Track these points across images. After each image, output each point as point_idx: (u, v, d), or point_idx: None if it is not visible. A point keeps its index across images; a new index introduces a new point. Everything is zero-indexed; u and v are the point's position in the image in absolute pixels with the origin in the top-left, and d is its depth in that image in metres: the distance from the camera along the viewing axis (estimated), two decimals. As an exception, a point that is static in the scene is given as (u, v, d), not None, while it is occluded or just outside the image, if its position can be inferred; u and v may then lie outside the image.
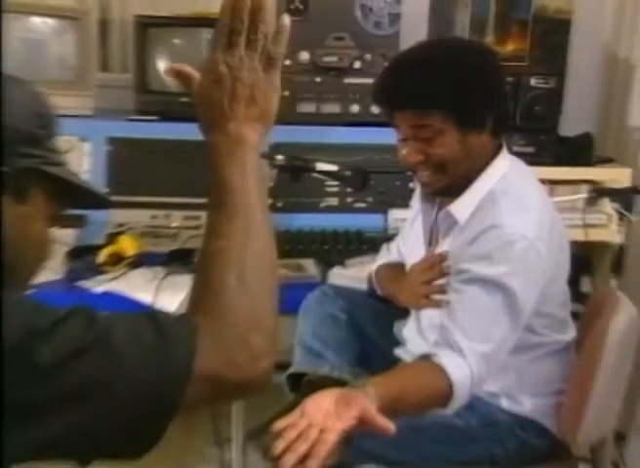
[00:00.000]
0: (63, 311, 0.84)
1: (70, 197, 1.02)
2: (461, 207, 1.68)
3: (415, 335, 1.87)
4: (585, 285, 2.74)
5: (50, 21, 2.65)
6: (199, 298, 0.91)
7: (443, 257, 1.70)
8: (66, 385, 0.80)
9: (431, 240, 1.83)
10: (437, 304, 1.69)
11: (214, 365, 0.86)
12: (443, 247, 1.75)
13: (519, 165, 1.75)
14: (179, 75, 1.00)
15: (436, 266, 1.71)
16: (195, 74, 0.99)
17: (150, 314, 0.88)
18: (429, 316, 1.77)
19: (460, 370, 1.50)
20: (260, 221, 0.95)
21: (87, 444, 0.84)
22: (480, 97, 1.64)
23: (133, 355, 0.82)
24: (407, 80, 1.63)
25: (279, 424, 1.31)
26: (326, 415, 1.33)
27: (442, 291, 1.67)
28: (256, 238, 0.95)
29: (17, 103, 0.94)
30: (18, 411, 0.79)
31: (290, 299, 1.96)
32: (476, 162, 1.67)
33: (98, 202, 1.10)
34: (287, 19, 0.99)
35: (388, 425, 1.33)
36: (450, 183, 1.68)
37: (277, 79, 1.01)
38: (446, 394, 1.50)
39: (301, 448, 1.27)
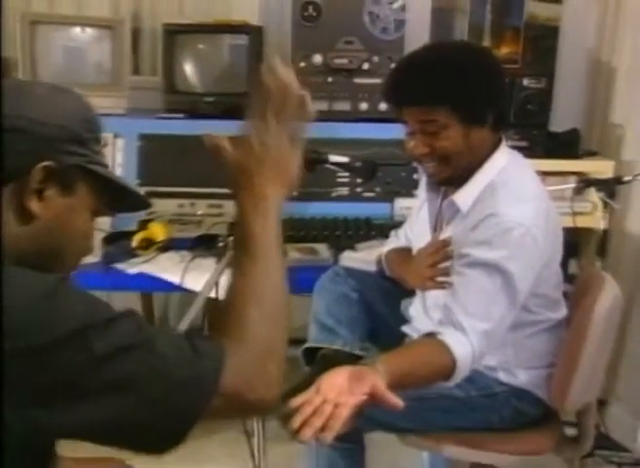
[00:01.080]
0: (118, 311, 0.86)
1: (113, 197, 1.02)
2: (464, 196, 1.66)
3: (420, 314, 1.85)
4: (573, 267, 2.73)
5: (88, 31, 2.68)
6: (225, 325, 0.93)
7: (447, 243, 1.67)
8: (112, 375, 0.81)
9: (436, 226, 1.80)
10: (441, 286, 1.66)
11: (236, 384, 0.88)
12: (447, 233, 1.72)
13: (517, 158, 1.72)
14: (214, 148, 1.05)
15: (440, 251, 1.68)
16: (227, 145, 1.04)
17: (188, 333, 0.92)
18: (434, 296, 1.75)
19: (462, 346, 1.49)
20: (276, 264, 0.98)
21: (117, 431, 0.84)
22: (482, 94, 1.61)
23: (171, 361, 0.85)
24: (414, 79, 1.61)
25: (296, 401, 1.31)
26: (339, 392, 1.33)
27: (446, 273, 1.64)
28: (273, 278, 0.98)
29: (67, 108, 0.96)
30: (66, 390, 0.80)
31: (304, 280, 1.95)
32: (478, 155, 1.64)
33: (139, 202, 1.10)
34: (309, 101, 1.03)
35: (396, 401, 1.33)
36: (453, 174, 1.65)
37: (299, 146, 1.05)
38: (449, 369, 1.48)
39: (317, 423, 1.27)
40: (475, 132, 1.61)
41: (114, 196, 1.02)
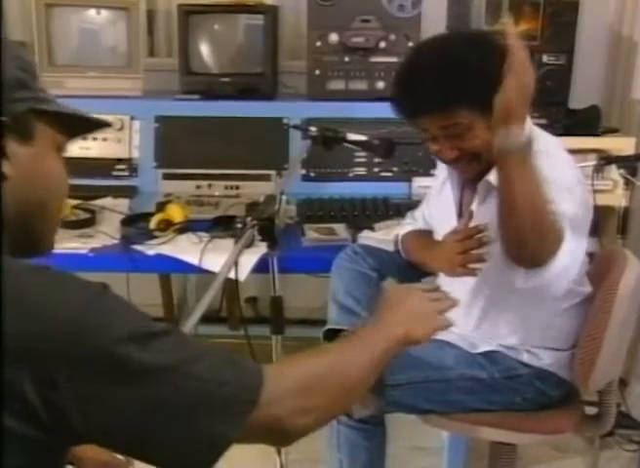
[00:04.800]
0: (162, 325, 0.85)
1: (68, 126, 0.98)
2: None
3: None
4: (593, 245, 2.68)
5: (103, 13, 2.66)
6: (305, 361, 0.98)
7: (480, 229, 1.62)
8: (146, 393, 0.80)
9: (461, 211, 1.76)
10: (473, 273, 1.61)
11: (272, 414, 0.88)
12: (480, 214, 1.66)
13: (543, 132, 1.67)
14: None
15: (473, 237, 1.61)
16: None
17: (231, 358, 0.89)
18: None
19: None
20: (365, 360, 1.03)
21: (144, 447, 0.83)
22: (494, 81, 1.51)
23: (209, 387, 0.83)
24: (425, 88, 1.54)
25: None
26: None
27: (480, 259, 1.60)
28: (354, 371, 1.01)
29: (4, 56, 0.90)
30: (96, 400, 0.78)
31: (322, 261, 1.94)
32: None
33: (96, 125, 1.05)
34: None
35: None
36: (486, 166, 1.60)
37: None
38: None
39: None
40: None
41: (69, 124, 0.98)
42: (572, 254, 1.46)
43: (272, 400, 0.87)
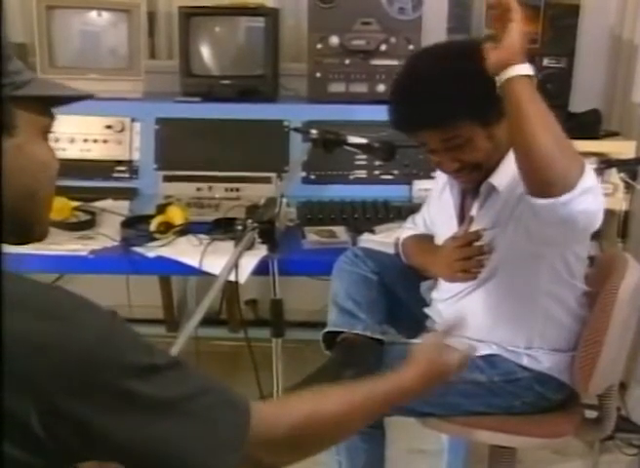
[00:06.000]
0: (166, 357, 0.85)
1: (53, 104, 0.94)
2: (500, 177, 1.60)
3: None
4: (593, 249, 2.68)
5: (104, 15, 2.66)
6: (302, 409, 0.98)
7: (480, 235, 1.62)
8: (147, 425, 0.81)
9: (463, 216, 1.75)
10: (473, 278, 1.62)
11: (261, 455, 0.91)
12: (480, 218, 1.66)
13: None
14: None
15: (473, 244, 1.63)
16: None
17: (225, 395, 0.89)
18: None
19: None
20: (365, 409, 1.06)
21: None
22: (490, 91, 1.45)
23: (204, 425, 0.85)
24: (424, 104, 1.54)
25: None
26: None
27: (480, 265, 1.60)
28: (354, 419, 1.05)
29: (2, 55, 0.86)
30: (99, 430, 0.78)
31: (323, 263, 1.93)
32: (506, 145, 1.56)
33: (80, 98, 1.00)
34: None
35: None
36: (486, 173, 1.61)
37: None
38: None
39: None
40: (497, 129, 1.56)
41: (51, 103, 0.94)
42: (596, 183, 1.40)
43: (259, 443, 0.89)
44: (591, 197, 1.35)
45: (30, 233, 0.94)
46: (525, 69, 1.33)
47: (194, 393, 0.85)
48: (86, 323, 0.79)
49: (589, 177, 1.34)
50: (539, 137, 1.29)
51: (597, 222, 1.45)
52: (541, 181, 1.31)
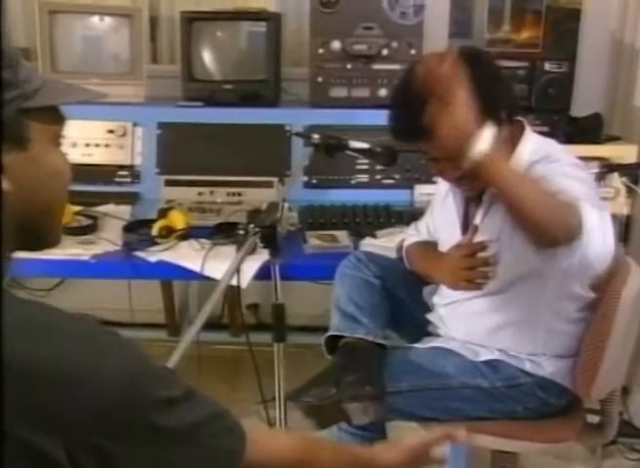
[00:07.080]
0: (180, 387, 0.86)
1: (59, 112, 0.90)
2: None
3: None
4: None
5: (106, 20, 2.67)
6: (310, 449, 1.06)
7: (485, 246, 1.62)
8: (164, 453, 0.83)
9: (466, 224, 1.75)
10: (477, 287, 1.62)
11: None
12: (485, 227, 1.67)
13: (546, 139, 1.69)
14: None
15: (477, 254, 1.63)
16: None
17: (231, 426, 0.93)
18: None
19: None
20: None
21: None
22: (491, 99, 1.50)
23: (209, 451, 0.89)
24: (421, 114, 1.49)
25: None
26: None
27: (484, 277, 1.60)
28: None
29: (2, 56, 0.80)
30: (113, 461, 0.78)
31: (324, 267, 1.93)
32: (507, 151, 1.57)
33: (93, 97, 0.99)
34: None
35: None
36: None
37: None
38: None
39: None
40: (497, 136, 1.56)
41: (60, 111, 0.90)
42: (600, 220, 1.44)
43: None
44: (599, 233, 1.41)
45: (46, 240, 0.93)
46: (483, 142, 1.32)
47: (202, 421, 0.87)
48: (117, 359, 0.79)
49: (590, 218, 1.37)
50: (529, 213, 1.31)
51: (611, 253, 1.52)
52: (547, 244, 1.37)
